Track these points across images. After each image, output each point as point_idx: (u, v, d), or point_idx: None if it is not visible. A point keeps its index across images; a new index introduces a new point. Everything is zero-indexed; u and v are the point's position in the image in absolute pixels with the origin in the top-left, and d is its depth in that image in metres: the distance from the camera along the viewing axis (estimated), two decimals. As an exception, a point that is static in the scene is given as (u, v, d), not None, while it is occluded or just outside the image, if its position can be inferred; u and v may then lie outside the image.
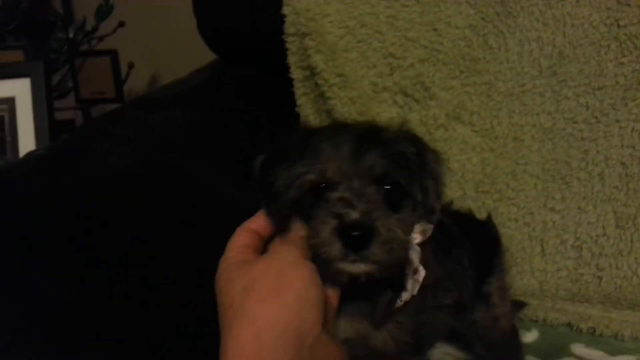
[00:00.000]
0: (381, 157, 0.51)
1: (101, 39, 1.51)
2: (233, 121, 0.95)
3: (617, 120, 0.87)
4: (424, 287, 0.52)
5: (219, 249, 0.54)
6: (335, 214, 0.48)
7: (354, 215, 0.47)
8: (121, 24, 1.44)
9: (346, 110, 0.96)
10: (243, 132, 0.93)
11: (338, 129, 0.57)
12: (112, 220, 0.65)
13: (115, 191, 0.69)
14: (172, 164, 0.79)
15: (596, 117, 0.88)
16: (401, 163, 0.52)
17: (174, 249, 0.67)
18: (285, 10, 0.96)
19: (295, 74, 1.00)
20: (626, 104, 0.86)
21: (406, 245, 0.51)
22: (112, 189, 0.69)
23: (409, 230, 0.51)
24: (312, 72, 0.98)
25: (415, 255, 0.52)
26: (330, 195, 0.50)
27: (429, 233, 0.53)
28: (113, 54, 1.46)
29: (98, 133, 0.82)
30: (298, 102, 1.01)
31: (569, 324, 0.76)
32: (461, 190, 0.93)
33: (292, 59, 0.98)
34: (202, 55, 1.15)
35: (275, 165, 0.54)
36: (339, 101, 0.96)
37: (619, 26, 0.86)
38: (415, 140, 0.56)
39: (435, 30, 0.92)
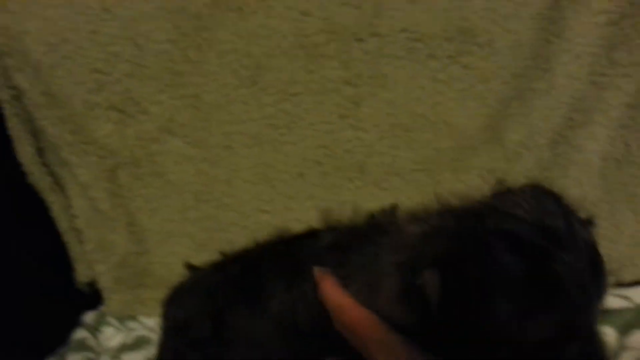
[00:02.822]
0: None
1: None
2: None
3: (311, 124, 0.93)
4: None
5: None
6: None
7: None
8: None
9: (57, 130, 0.94)
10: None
11: None
12: None
13: None
14: None
15: (294, 122, 0.94)
16: None
17: None
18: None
19: (2, 94, 0.95)
20: (317, 109, 0.93)
21: None
22: None
23: None
24: (18, 91, 0.94)
25: None
26: None
27: None
28: None
29: None
30: (9, 124, 0.96)
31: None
32: (181, 201, 0.96)
33: (-3, 80, 0.93)
34: None
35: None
36: (48, 121, 0.93)
37: (304, 36, 0.91)
38: None
39: (136, 45, 0.92)
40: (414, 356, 0.40)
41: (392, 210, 0.57)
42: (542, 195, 0.49)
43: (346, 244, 0.54)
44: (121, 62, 0.93)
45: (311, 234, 0.61)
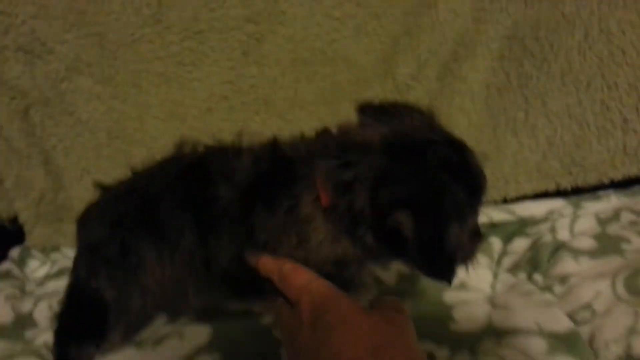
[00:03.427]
0: None
1: None
2: None
3: (216, 60, 0.98)
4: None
5: None
6: None
7: None
8: None
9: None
10: None
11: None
12: None
13: None
14: None
15: (200, 59, 0.98)
16: None
17: None
18: None
19: None
20: (221, 46, 0.97)
21: None
22: None
23: None
24: None
25: None
26: None
27: None
28: None
29: None
30: None
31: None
32: (94, 139, 1.00)
33: None
34: None
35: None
36: (-43, 65, 0.94)
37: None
38: None
39: (38, -15, 0.93)
40: (355, 304, 0.50)
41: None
42: (417, 112, 0.61)
43: (260, 192, 0.59)
44: (26, 4, 0.94)
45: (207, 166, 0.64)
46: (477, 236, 0.61)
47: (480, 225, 0.63)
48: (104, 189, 0.73)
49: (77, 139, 1.01)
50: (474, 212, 0.58)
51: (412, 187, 0.52)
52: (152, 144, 1.00)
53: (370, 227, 0.55)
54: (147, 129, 1.00)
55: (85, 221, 0.71)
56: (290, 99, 0.99)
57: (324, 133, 0.61)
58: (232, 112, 0.99)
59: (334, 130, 0.62)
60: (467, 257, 0.59)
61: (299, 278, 0.54)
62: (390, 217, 0.51)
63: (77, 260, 0.69)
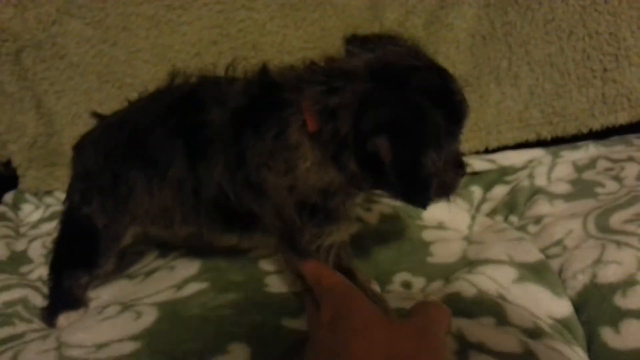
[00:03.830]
0: None
1: None
2: None
3: (206, 4, 0.99)
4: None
5: None
6: None
7: None
8: None
9: (-43, 16, 0.95)
10: None
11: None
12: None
13: None
14: None
15: (189, 3, 0.99)
16: None
17: None
18: None
19: None
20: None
21: None
22: None
23: None
24: None
25: None
26: None
27: None
28: None
29: None
30: None
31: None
32: (86, 82, 1.01)
33: None
34: None
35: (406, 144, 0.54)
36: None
37: None
38: None
39: None
40: (377, 312, 0.50)
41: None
42: (401, 43, 0.62)
43: (250, 116, 0.60)
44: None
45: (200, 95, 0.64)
46: (459, 167, 0.62)
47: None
48: (100, 117, 0.74)
49: (69, 82, 1.02)
50: (454, 139, 0.59)
51: (392, 112, 0.53)
52: (142, 88, 1.00)
53: (353, 152, 0.56)
54: (137, 73, 1.01)
55: (80, 148, 0.72)
56: (278, 45, 1.01)
57: (311, 64, 0.62)
58: (220, 57, 1.01)
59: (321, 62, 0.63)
60: (446, 186, 0.60)
61: (326, 280, 0.55)
62: (369, 142, 0.53)
63: (71, 186, 0.71)
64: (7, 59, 1.00)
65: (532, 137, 1.03)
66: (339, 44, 0.99)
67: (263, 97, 0.60)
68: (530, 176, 0.95)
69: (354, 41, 0.62)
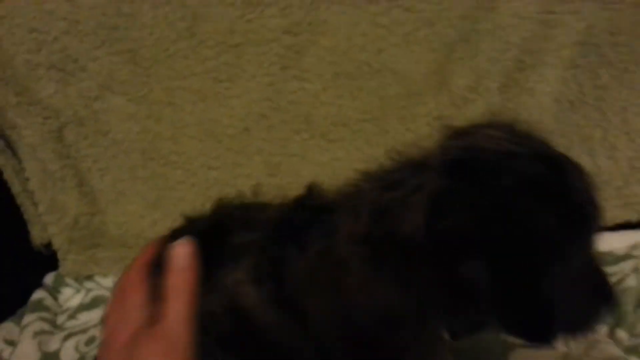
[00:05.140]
0: None
1: None
2: None
3: (254, 76, 0.91)
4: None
5: None
6: None
7: None
8: None
9: (2, 92, 0.92)
10: None
11: None
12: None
13: None
14: None
15: (237, 74, 0.91)
16: None
17: None
18: None
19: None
20: (259, 60, 0.90)
21: None
22: None
23: None
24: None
25: None
26: None
27: None
28: None
29: None
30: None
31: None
32: (130, 160, 0.95)
33: None
34: None
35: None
36: (-10, 85, 0.92)
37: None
38: None
39: (69, 0, 0.89)
40: None
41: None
42: (504, 127, 0.47)
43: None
44: (57, 20, 0.91)
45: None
46: (599, 290, 0.46)
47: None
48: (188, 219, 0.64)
49: (112, 160, 0.96)
50: (579, 250, 0.43)
51: (480, 217, 0.39)
52: (188, 165, 0.94)
53: (422, 261, 0.42)
54: (183, 149, 0.94)
55: None
56: (333, 116, 0.91)
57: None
58: (271, 131, 0.92)
59: None
60: (580, 315, 0.44)
61: None
62: (459, 266, 0.40)
63: None
64: (50, 137, 0.95)
65: (635, 217, 0.89)
66: (401, 114, 0.89)
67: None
68: (637, 270, 0.78)
69: (450, 136, 0.49)
